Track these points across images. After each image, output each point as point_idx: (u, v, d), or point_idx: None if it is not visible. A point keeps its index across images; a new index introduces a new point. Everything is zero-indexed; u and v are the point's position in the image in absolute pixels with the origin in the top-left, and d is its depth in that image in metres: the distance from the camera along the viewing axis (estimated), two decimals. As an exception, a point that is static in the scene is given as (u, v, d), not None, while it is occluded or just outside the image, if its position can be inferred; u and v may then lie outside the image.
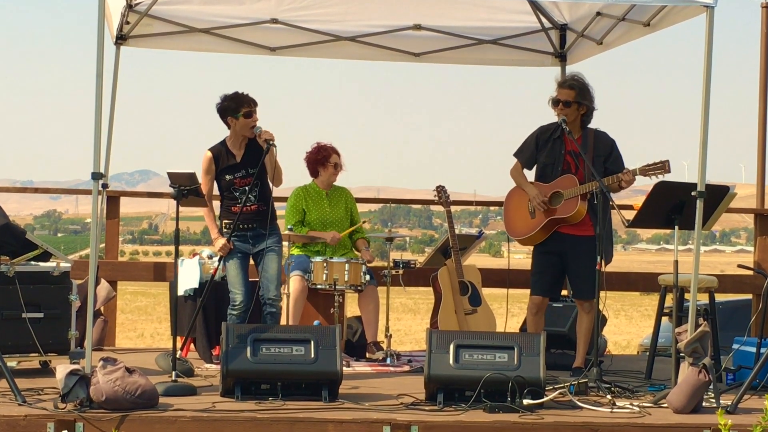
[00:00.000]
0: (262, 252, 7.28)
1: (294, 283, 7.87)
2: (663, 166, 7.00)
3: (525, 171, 7.57)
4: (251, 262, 7.42)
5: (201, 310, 7.39)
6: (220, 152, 7.33)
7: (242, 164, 7.29)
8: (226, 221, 7.35)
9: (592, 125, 7.43)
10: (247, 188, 7.21)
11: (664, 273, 7.83)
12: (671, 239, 6.88)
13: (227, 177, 7.30)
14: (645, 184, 7.11)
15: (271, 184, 7.24)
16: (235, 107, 7.23)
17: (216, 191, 7.45)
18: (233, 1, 8.66)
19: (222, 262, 7.33)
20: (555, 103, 7.35)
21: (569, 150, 7.32)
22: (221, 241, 7.24)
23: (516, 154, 7.57)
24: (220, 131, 7.46)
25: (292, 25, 9.08)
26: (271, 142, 7.05)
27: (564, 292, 8.32)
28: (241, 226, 7.23)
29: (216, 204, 7.54)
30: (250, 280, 7.36)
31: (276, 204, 7.52)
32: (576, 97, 7.30)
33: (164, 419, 5.61)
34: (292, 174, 7.40)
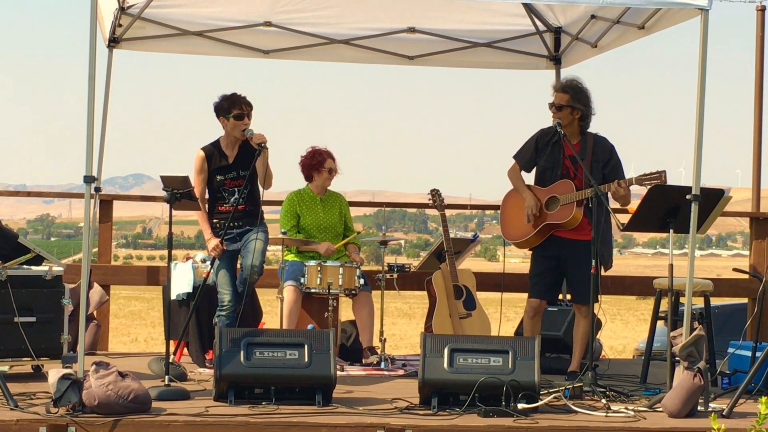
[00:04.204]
0: (245, 242, 7.25)
1: (288, 293, 7.82)
2: (660, 176, 6.94)
3: (523, 173, 7.55)
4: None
5: (194, 313, 7.35)
6: (212, 152, 7.31)
7: (234, 165, 7.27)
8: (215, 220, 7.33)
9: (592, 129, 7.41)
10: (236, 190, 7.19)
11: (660, 277, 7.81)
12: (667, 243, 6.85)
13: (218, 178, 7.29)
14: (641, 188, 7.09)
15: (261, 187, 7.22)
16: (228, 108, 7.22)
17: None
18: (226, 4, 8.64)
19: (212, 263, 7.29)
20: (550, 106, 7.34)
21: (568, 155, 7.29)
22: (214, 242, 7.23)
23: (515, 156, 7.55)
24: (213, 134, 7.43)
25: (285, 28, 9.06)
26: (263, 145, 7.03)
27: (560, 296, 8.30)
28: (229, 224, 7.21)
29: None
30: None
31: (269, 207, 7.48)
32: (569, 101, 7.27)
33: (157, 424, 5.58)
34: (285, 177, 7.37)
